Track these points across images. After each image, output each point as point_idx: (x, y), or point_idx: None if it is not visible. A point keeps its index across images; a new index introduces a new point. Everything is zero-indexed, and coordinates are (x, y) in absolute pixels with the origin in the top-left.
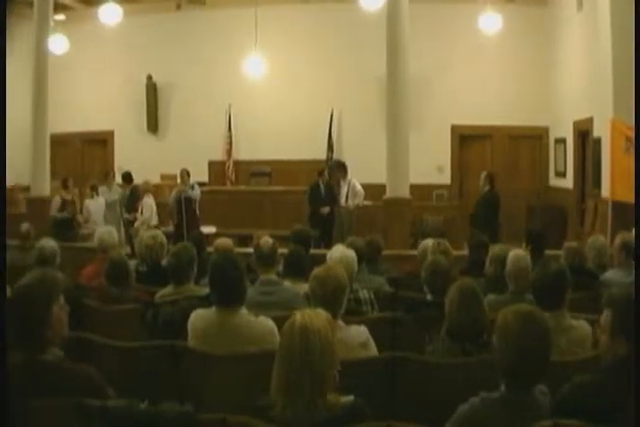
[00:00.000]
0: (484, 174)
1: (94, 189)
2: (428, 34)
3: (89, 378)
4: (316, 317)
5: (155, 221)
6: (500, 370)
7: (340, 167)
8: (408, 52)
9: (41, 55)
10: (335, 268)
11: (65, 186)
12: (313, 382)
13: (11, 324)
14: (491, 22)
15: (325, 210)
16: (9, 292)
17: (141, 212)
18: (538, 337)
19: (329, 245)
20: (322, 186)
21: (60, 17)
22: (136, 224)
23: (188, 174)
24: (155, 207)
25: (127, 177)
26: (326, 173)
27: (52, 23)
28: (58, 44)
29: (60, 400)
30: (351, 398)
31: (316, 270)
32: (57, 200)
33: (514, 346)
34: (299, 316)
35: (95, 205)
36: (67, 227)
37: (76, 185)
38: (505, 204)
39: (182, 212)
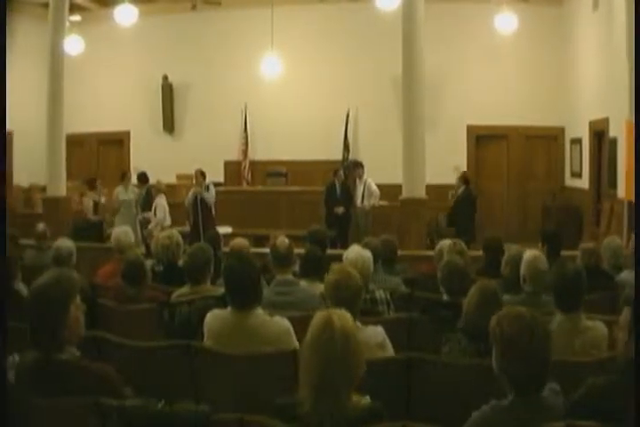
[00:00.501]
0: (458, 175)
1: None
2: (443, 34)
3: (106, 377)
4: (347, 317)
5: (168, 221)
6: (501, 376)
7: (357, 167)
8: (423, 52)
9: (57, 56)
10: (349, 269)
11: (93, 187)
12: (346, 383)
13: (28, 323)
14: (506, 22)
15: (340, 210)
16: (26, 291)
17: (155, 212)
18: (535, 339)
19: (345, 246)
20: (337, 186)
21: (76, 18)
22: (150, 225)
23: (203, 175)
24: (167, 208)
25: (143, 177)
26: (341, 172)
27: (67, 24)
28: (73, 44)
29: (77, 399)
30: (367, 399)
31: (330, 274)
32: (88, 202)
33: (514, 352)
34: (334, 316)
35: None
36: (98, 229)
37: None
38: (520, 204)
39: (198, 212)
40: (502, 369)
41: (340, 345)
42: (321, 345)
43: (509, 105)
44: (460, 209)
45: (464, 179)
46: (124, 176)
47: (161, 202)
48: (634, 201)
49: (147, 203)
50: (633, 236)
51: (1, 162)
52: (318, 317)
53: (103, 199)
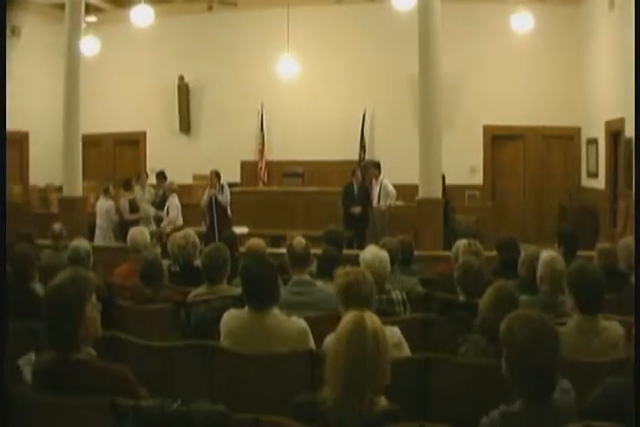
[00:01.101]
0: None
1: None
2: (459, 34)
3: (122, 378)
4: (378, 320)
5: (180, 220)
6: (509, 380)
7: (374, 167)
8: (440, 52)
9: (72, 57)
10: (357, 272)
11: (129, 187)
12: (373, 384)
13: (44, 323)
14: (522, 22)
15: (357, 210)
16: (42, 291)
17: (167, 212)
18: (544, 343)
19: (362, 246)
20: (355, 186)
21: (92, 19)
22: (162, 224)
23: (218, 176)
24: (180, 207)
25: (161, 175)
26: (358, 172)
27: (83, 25)
28: (89, 45)
29: (93, 399)
30: (383, 400)
31: (339, 278)
32: (124, 202)
33: (523, 357)
34: (367, 318)
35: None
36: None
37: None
38: (537, 204)
39: (213, 214)
40: (511, 373)
41: (371, 346)
42: (352, 345)
43: (526, 105)
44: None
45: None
46: (138, 177)
47: (174, 202)
48: (634, 201)
49: (164, 202)
50: None
51: (0, 162)
52: (349, 317)
53: (133, 197)
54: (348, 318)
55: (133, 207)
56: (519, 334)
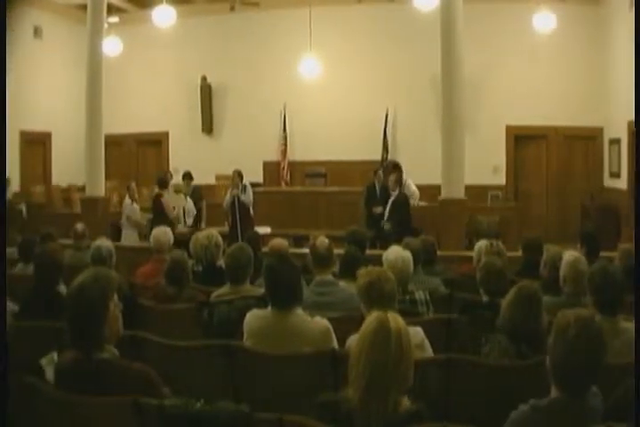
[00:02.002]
0: (392, 178)
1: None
2: (481, 34)
3: (145, 377)
4: (402, 321)
5: (189, 222)
6: (552, 372)
7: (395, 168)
8: (462, 51)
9: (95, 57)
10: (379, 271)
11: (164, 185)
12: (397, 385)
13: (67, 322)
14: (544, 22)
15: (378, 210)
16: (65, 291)
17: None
18: (593, 341)
19: (384, 246)
20: (377, 186)
21: (114, 19)
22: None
23: (240, 176)
24: (192, 209)
25: (188, 176)
26: (380, 172)
27: (105, 25)
28: (112, 46)
29: (116, 399)
30: (407, 400)
31: (360, 277)
32: (167, 200)
33: (568, 347)
34: (390, 318)
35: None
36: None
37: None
38: (559, 204)
39: (236, 214)
40: (553, 366)
41: (394, 347)
42: (375, 346)
43: (548, 105)
44: (396, 213)
45: (399, 182)
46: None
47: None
48: (634, 201)
49: (193, 202)
50: None
51: (0, 162)
52: (373, 317)
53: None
54: (372, 318)
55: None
56: (572, 328)
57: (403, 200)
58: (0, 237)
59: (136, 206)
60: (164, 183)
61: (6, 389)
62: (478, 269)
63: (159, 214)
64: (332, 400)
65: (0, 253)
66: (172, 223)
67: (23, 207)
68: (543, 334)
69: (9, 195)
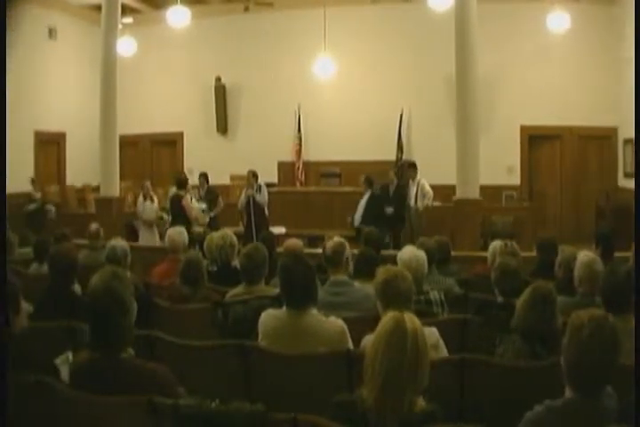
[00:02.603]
0: (362, 178)
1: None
2: (495, 34)
3: (161, 376)
4: (417, 321)
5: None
6: (566, 372)
7: (410, 167)
8: (477, 51)
9: (109, 58)
10: (399, 271)
11: (183, 186)
12: (413, 385)
13: (89, 324)
14: (558, 22)
15: (389, 210)
16: (80, 291)
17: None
18: (607, 341)
19: (397, 246)
20: (391, 186)
21: (128, 20)
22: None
23: (255, 176)
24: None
25: (204, 177)
26: (392, 173)
27: (119, 26)
28: (126, 46)
29: (132, 398)
30: (421, 400)
31: (379, 276)
32: (187, 201)
33: (582, 347)
34: (406, 319)
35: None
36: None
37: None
38: (574, 205)
39: (251, 214)
40: (568, 366)
41: (410, 347)
42: (391, 346)
43: (562, 105)
44: (368, 212)
45: (367, 182)
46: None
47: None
48: (634, 201)
49: (209, 202)
50: None
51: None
52: (389, 317)
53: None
54: (388, 318)
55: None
56: (586, 328)
57: (374, 201)
58: (1, 236)
59: (149, 205)
60: (182, 184)
61: (6, 389)
62: (493, 269)
63: (178, 215)
64: (348, 400)
65: (1, 252)
66: (191, 224)
67: (52, 208)
68: (557, 334)
69: (38, 195)
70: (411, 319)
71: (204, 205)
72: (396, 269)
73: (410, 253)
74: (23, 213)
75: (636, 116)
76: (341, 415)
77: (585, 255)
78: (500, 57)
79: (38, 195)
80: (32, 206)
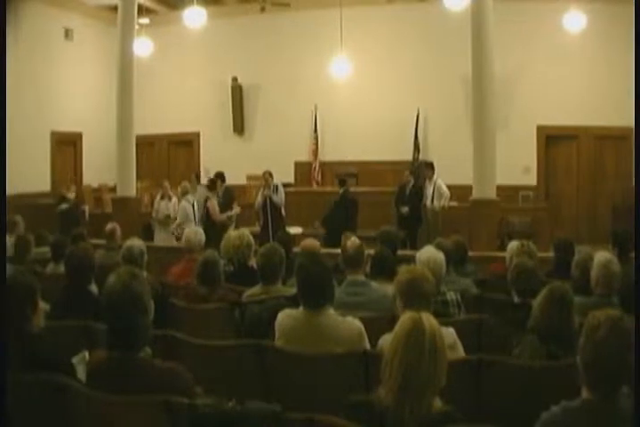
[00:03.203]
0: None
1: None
2: (512, 33)
3: (178, 376)
4: (435, 321)
5: (191, 223)
6: (582, 372)
7: (427, 167)
8: (493, 51)
9: (126, 58)
10: (421, 271)
11: (213, 187)
12: (431, 385)
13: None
14: (575, 21)
15: (404, 210)
16: (96, 290)
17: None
18: (623, 341)
19: (414, 246)
20: (408, 187)
21: (145, 21)
22: (172, 226)
23: (271, 176)
24: (190, 210)
25: (220, 177)
26: (407, 173)
27: (136, 27)
28: (143, 47)
29: (148, 398)
30: (438, 401)
31: (401, 275)
32: (213, 203)
33: (598, 348)
34: (425, 319)
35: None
36: (222, 228)
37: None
38: (590, 205)
39: (268, 214)
40: (584, 366)
41: (428, 347)
42: (409, 346)
43: (579, 105)
44: (338, 212)
45: (341, 183)
46: (197, 177)
47: (182, 205)
48: (634, 201)
49: (225, 203)
50: None
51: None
52: (406, 318)
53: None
54: (406, 318)
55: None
56: (602, 329)
57: (348, 201)
58: (1, 237)
59: (164, 204)
60: (213, 185)
61: (5, 388)
62: (510, 269)
63: (207, 218)
64: (365, 401)
65: (0, 253)
66: (216, 225)
67: (86, 208)
68: (574, 335)
69: (71, 195)
70: (428, 320)
71: (237, 208)
72: (419, 269)
73: (428, 253)
74: (55, 212)
75: (635, 115)
76: (358, 416)
77: (601, 256)
78: (516, 57)
79: (72, 195)
80: (64, 206)
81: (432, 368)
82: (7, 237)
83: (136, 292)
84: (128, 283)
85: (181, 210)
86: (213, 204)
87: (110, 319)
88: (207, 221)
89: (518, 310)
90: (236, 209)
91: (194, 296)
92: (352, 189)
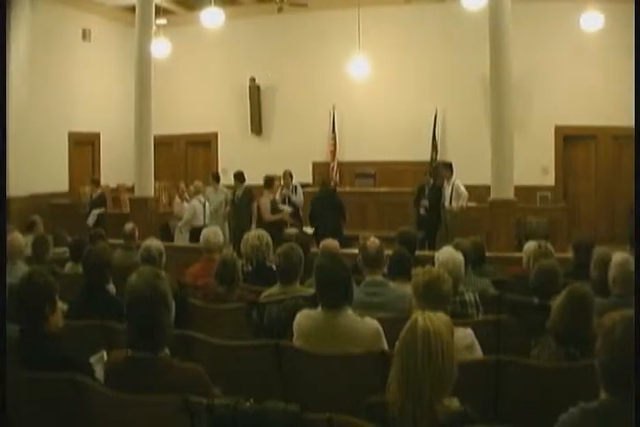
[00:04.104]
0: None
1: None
2: (529, 33)
3: (196, 376)
4: (437, 319)
5: (200, 221)
6: (600, 374)
7: (445, 168)
8: (511, 51)
9: (144, 59)
10: (440, 271)
11: (270, 186)
12: (433, 385)
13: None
14: (592, 21)
15: (424, 203)
16: (114, 289)
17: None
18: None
19: (433, 247)
20: (427, 187)
21: (162, 21)
22: (179, 224)
23: (291, 176)
24: (200, 209)
25: (240, 177)
26: (427, 174)
27: (154, 27)
28: (160, 47)
29: (167, 398)
30: (456, 402)
31: (419, 275)
32: (266, 202)
33: (615, 348)
34: (420, 318)
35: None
36: (278, 228)
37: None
38: (609, 205)
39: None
40: (602, 367)
41: (422, 347)
42: (404, 347)
43: (597, 105)
44: (327, 212)
45: (322, 183)
46: (214, 177)
47: (192, 203)
48: (634, 201)
49: (245, 202)
50: None
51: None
52: (410, 319)
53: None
54: (411, 322)
55: (274, 207)
56: (617, 329)
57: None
58: (1, 237)
59: (182, 204)
60: (269, 183)
61: (5, 388)
62: (530, 270)
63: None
64: (380, 402)
65: (1, 253)
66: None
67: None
68: (593, 336)
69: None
70: (427, 320)
71: (288, 208)
72: (437, 270)
73: (447, 254)
74: (84, 214)
75: (635, 115)
76: (374, 416)
77: (619, 256)
78: (533, 57)
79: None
80: (99, 210)
81: (428, 368)
82: (27, 237)
83: (161, 291)
84: (153, 282)
85: (190, 208)
86: (265, 203)
87: (134, 318)
88: (259, 220)
89: (537, 311)
90: (286, 209)
91: (212, 296)
92: (371, 189)
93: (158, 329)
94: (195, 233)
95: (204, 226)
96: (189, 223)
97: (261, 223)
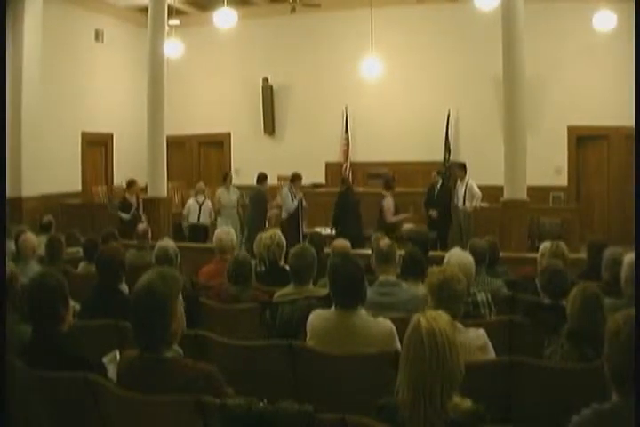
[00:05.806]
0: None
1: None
2: (542, 33)
3: (209, 376)
4: (440, 318)
5: (193, 219)
6: (609, 375)
7: (459, 168)
8: (524, 52)
9: (156, 59)
10: (452, 270)
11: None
12: (442, 385)
13: (133, 322)
14: (605, 21)
15: (433, 213)
16: (127, 291)
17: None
18: None
19: (445, 247)
20: (436, 188)
21: (175, 22)
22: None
23: (300, 178)
24: (195, 207)
25: (262, 177)
26: (434, 174)
27: (166, 28)
28: (173, 48)
29: (179, 397)
30: (469, 402)
31: (433, 275)
32: (390, 203)
33: (622, 349)
34: (422, 319)
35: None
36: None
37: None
38: (621, 206)
39: (299, 216)
40: (610, 369)
41: (428, 347)
42: (409, 348)
43: (610, 105)
44: (340, 211)
45: (343, 185)
46: (226, 177)
47: (189, 202)
48: (634, 202)
49: (260, 202)
50: None
51: (0, 162)
52: (412, 321)
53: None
54: (414, 322)
55: (397, 209)
56: (623, 330)
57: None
58: (1, 237)
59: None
60: (388, 185)
61: (5, 388)
62: (540, 271)
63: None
64: (392, 402)
65: (1, 252)
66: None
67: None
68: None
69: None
70: (432, 320)
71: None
72: (450, 270)
73: (457, 255)
74: (115, 218)
75: (636, 115)
76: (386, 417)
77: (631, 257)
78: (546, 57)
79: (133, 199)
80: (128, 215)
81: (436, 368)
82: (40, 237)
83: (157, 292)
84: (151, 283)
85: (185, 207)
86: (389, 204)
87: (133, 319)
88: (381, 221)
89: (549, 311)
90: (405, 215)
91: (225, 296)
92: (381, 189)
93: (154, 329)
94: (192, 229)
95: (199, 223)
96: (186, 220)
97: (383, 225)
